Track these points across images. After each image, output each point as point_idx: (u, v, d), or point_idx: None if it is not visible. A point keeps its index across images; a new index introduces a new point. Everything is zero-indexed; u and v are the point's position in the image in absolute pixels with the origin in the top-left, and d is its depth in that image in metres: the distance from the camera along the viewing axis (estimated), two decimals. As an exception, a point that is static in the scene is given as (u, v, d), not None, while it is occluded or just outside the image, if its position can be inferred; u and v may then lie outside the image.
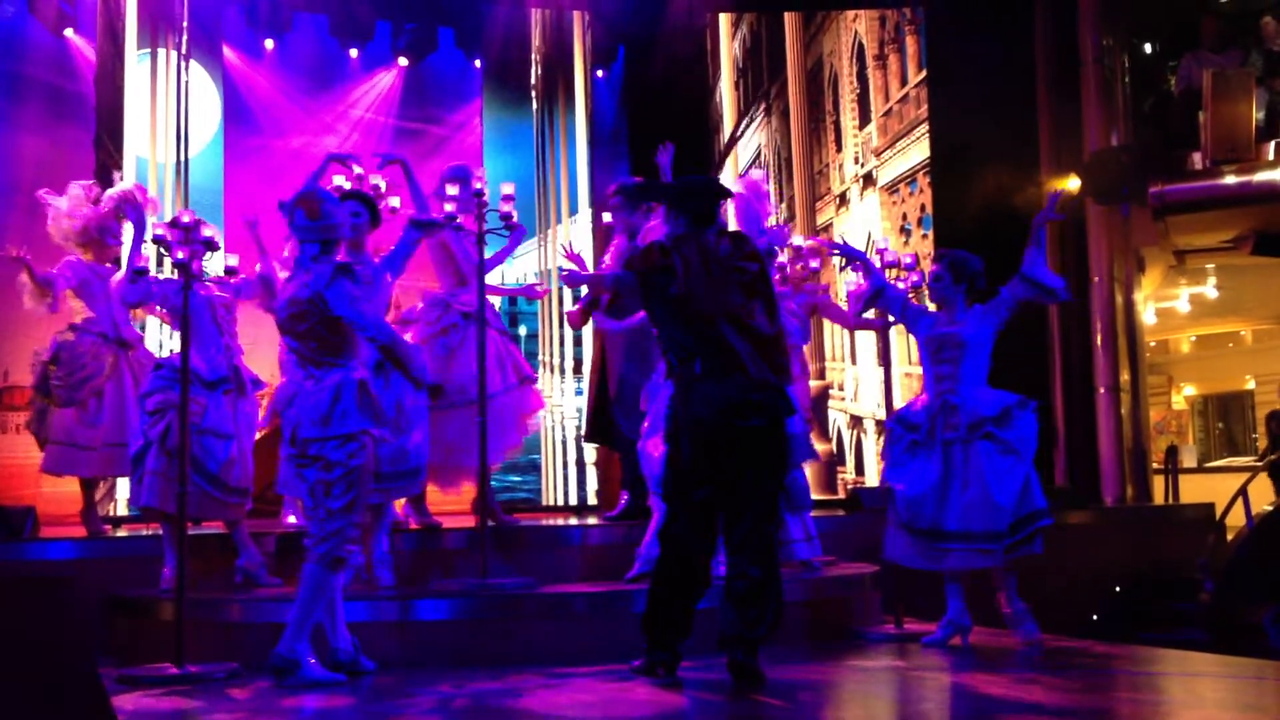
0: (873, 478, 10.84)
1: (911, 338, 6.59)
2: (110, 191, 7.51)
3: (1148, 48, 11.20)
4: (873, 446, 10.97)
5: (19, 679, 3.09)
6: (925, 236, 10.67)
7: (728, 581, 4.98)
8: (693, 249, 5.00)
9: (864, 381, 11.17)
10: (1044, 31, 10.44)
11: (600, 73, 12.75)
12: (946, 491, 5.81)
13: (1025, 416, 5.84)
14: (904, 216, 11.14)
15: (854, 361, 11.25)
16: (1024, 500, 5.77)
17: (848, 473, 11.50)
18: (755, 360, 4.91)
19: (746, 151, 13.52)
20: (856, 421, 11.36)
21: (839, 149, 12.25)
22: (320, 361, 5.17)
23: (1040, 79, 10.44)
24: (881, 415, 8.68)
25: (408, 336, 6.88)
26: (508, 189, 6.55)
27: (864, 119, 11.83)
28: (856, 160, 11.94)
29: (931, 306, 6.24)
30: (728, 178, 13.24)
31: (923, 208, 10.83)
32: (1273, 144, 9.79)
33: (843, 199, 12.13)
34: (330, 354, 5.17)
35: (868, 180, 11.75)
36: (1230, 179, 9.81)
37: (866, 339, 10.43)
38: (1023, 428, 5.83)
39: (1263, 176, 9.74)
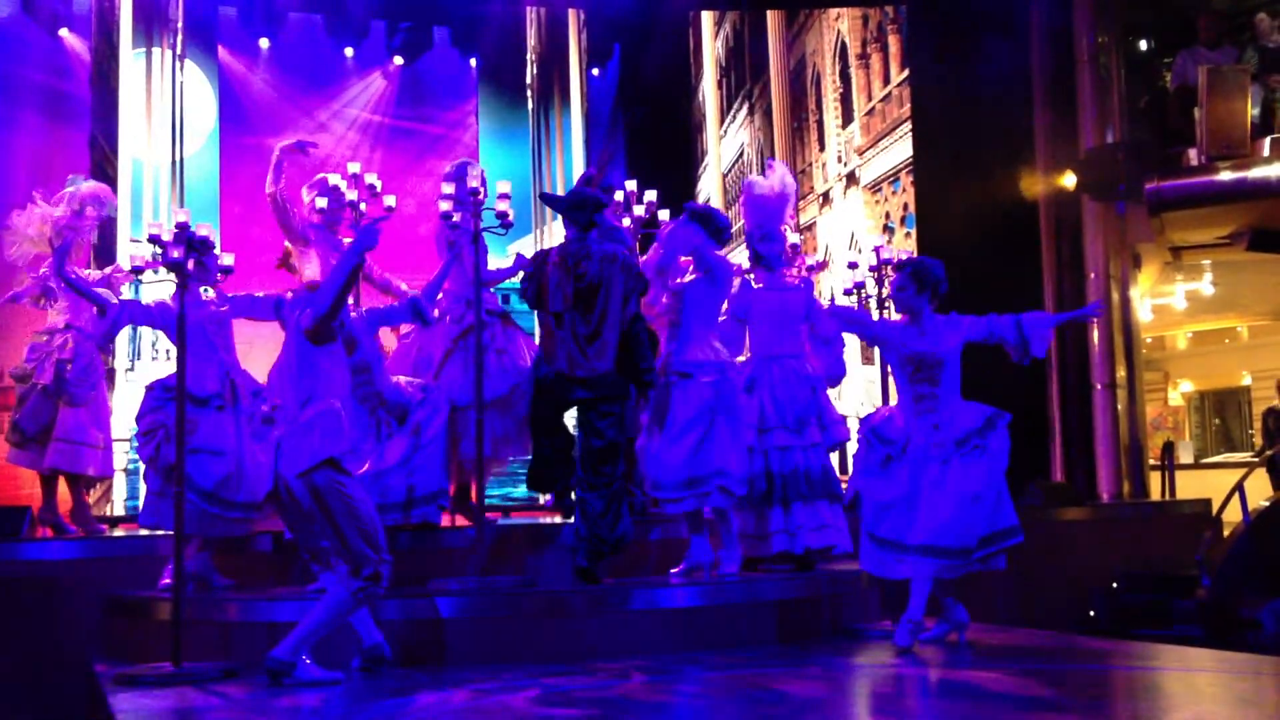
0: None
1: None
2: (70, 190, 7.39)
3: (1143, 44, 11.21)
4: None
5: (15, 678, 3.09)
6: (908, 235, 10.67)
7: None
8: (557, 256, 6.13)
9: (848, 381, 11.14)
10: (1039, 29, 10.45)
11: (595, 71, 12.75)
12: (916, 505, 5.78)
13: (1001, 429, 5.85)
14: (886, 215, 11.14)
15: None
16: (996, 516, 5.76)
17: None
18: (576, 353, 6.10)
19: (729, 150, 13.52)
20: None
21: (822, 148, 12.25)
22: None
23: (1035, 76, 10.46)
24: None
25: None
26: (504, 187, 6.55)
27: (847, 118, 11.83)
28: (839, 159, 11.95)
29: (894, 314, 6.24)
30: (713, 177, 13.28)
31: (905, 206, 10.84)
32: (1268, 140, 9.80)
33: (826, 198, 12.14)
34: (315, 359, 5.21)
35: (850, 179, 11.76)
36: (1226, 175, 9.81)
37: (851, 339, 10.39)
38: (1001, 439, 5.84)
39: (1258, 172, 9.74)
